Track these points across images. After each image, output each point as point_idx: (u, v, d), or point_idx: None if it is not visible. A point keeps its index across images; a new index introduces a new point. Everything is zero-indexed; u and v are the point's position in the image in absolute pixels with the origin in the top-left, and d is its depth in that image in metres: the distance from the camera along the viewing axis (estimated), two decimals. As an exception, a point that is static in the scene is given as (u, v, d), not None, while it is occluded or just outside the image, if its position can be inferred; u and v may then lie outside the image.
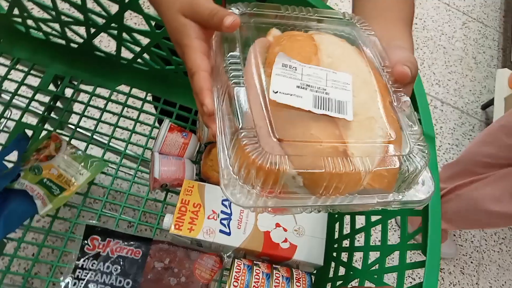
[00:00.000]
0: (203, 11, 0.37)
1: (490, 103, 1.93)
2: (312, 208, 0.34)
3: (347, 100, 0.34)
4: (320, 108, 0.32)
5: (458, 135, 1.89)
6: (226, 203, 0.68)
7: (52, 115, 0.80)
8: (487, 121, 1.97)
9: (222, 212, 0.67)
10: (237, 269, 0.63)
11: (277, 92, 0.32)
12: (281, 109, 0.32)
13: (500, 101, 1.78)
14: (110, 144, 0.78)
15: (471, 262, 1.62)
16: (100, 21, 0.70)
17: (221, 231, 0.66)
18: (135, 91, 0.83)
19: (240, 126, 0.31)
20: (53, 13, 0.70)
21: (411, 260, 0.42)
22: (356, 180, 0.32)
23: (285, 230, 0.68)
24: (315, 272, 0.72)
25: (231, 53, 0.36)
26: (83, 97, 0.82)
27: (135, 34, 0.71)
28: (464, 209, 1.34)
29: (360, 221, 0.68)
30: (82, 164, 0.71)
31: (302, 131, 0.32)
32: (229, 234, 0.66)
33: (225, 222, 0.66)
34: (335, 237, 0.73)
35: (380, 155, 0.33)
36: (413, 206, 0.37)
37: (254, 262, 0.66)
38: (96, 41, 0.76)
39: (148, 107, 0.86)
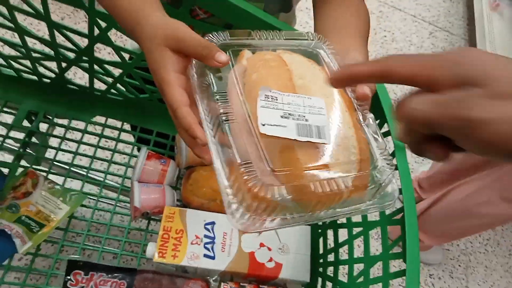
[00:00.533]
0: (191, 42, 0.39)
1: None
2: (301, 221, 0.38)
3: (324, 125, 0.38)
4: (303, 136, 0.37)
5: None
6: (209, 227, 0.68)
7: (28, 151, 0.79)
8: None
9: (205, 236, 0.67)
10: (224, 292, 0.63)
11: (264, 124, 0.36)
12: (269, 138, 0.36)
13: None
14: (89, 175, 0.78)
15: (459, 266, 1.64)
16: (71, 55, 0.70)
17: (205, 255, 0.65)
18: (111, 121, 0.83)
19: (238, 161, 0.35)
20: (23, 50, 0.70)
21: (400, 268, 0.44)
22: (338, 195, 0.37)
23: (269, 249, 0.68)
24: (302, 289, 0.72)
25: (218, 88, 0.39)
26: (60, 130, 0.82)
27: (107, 65, 0.72)
28: (454, 217, 1.36)
29: (343, 233, 0.69)
30: (61, 198, 0.70)
31: (289, 156, 0.36)
32: (213, 258, 0.65)
33: (209, 246, 0.66)
34: (320, 252, 0.74)
35: (356, 170, 0.38)
36: (385, 208, 0.41)
37: (241, 284, 0.65)
38: (70, 73, 0.76)
39: (126, 136, 0.86)
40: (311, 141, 0.37)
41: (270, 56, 0.43)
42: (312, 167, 0.37)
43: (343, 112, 0.41)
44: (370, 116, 0.42)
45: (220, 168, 0.36)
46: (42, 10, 0.62)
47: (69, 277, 0.63)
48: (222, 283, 0.64)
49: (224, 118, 0.37)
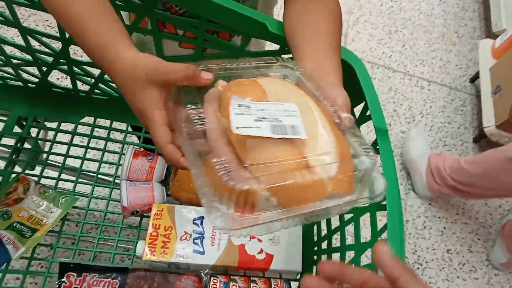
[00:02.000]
0: (175, 70, 0.41)
1: (478, 75, 1.90)
2: (288, 221, 0.37)
3: (298, 124, 0.39)
4: (278, 134, 0.37)
5: (449, 112, 1.86)
6: (198, 221, 0.68)
7: (22, 156, 0.80)
8: (478, 94, 1.94)
9: (194, 231, 0.67)
10: (213, 287, 0.63)
11: (238, 127, 0.37)
12: (245, 141, 0.37)
13: (485, 72, 1.75)
14: (81, 176, 0.78)
15: (478, 239, 1.60)
16: (49, 58, 0.70)
17: (194, 251, 0.65)
18: (102, 121, 0.83)
19: (213, 160, 0.35)
20: (2, 57, 0.70)
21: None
22: (322, 187, 0.37)
23: (259, 240, 0.67)
24: (298, 278, 0.71)
25: (191, 105, 0.41)
26: (51, 134, 0.82)
27: (86, 66, 0.71)
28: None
29: (336, 221, 0.67)
30: (53, 202, 0.71)
31: (267, 155, 0.37)
32: (203, 252, 0.65)
33: (198, 241, 0.66)
34: (314, 240, 0.72)
35: (336, 163, 0.38)
36: (374, 201, 0.41)
37: (231, 277, 0.65)
38: (57, 77, 0.76)
39: (117, 135, 0.86)
40: (285, 137, 0.37)
41: (244, 79, 0.45)
42: (290, 161, 0.37)
43: (318, 114, 0.42)
44: (345, 115, 0.43)
45: (197, 171, 0.37)
46: (11, 17, 0.61)
47: (62, 280, 0.64)
48: (212, 278, 0.64)
49: (200, 128, 0.38)
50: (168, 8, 0.64)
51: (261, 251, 0.66)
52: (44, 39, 0.65)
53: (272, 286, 0.64)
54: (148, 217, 0.74)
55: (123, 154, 0.80)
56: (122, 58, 0.43)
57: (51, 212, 0.70)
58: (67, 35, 0.63)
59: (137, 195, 0.70)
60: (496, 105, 1.61)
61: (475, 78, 1.96)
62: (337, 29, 0.56)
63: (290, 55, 0.56)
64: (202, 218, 0.68)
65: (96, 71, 0.72)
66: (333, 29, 0.55)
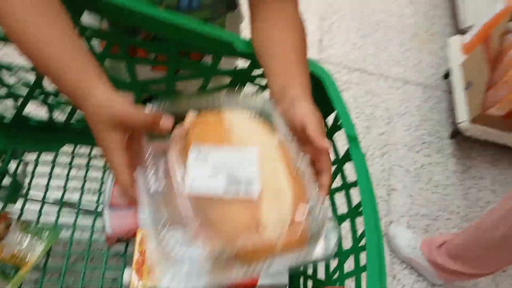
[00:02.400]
0: (136, 118, 0.42)
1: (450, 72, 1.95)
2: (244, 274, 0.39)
3: (254, 177, 0.40)
4: (230, 193, 0.38)
5: (425, 110, 1.90)
6: (183, 243, 0.68)
7: (1, 192, 0.80)
8: (451, 90, 1.98)
9: (180, 253, 0.67)
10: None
11: (192, 185, 0.38)
12: (199, 198, 0.38)
13: (456, 69, 1.80)
14: (64, 206, 0.78)
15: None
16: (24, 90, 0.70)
17: (182, 273, 0.65)
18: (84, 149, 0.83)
19: (163, 222, 0.37)
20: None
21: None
22: (271, 248, 0.38)
23: (245, 257, 0.68)
24: (287, 290, 0.72)
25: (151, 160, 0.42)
26: (32, 166, 0.82)
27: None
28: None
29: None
30: (36, 236, 0.71)
31: (220, 215, 0.38)
32: (190, 274, 0.65)
33: (184, 263, 0.66)
34: (300, 251, 0.73)
35: (288, 222, 0.39)
36: (325, 258, 0.45)
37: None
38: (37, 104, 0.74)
39: (98, 162, 0.86)
40: (237, 198, 0.39)
41: (210, 114, 0.46)
42: (242, 221, 0.38)
43: (279, 163, 0.42)
44: (304, 163, 0.43)
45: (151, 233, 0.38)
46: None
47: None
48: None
49: (152, 186, 0.40)
50: (138, 32, 0.64)
51: (247, 268, 0.67)
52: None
53: (261, 302, 0.65)
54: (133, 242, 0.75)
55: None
56: (89, 99, 0.43)
57: (35, 247, 0.70)
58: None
59: (121, 222, 0.70)
60: (469, 100, 1.66)
61: (447, 75, 2.01)
62: (303, 44, 0.58)
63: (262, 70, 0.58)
64: (187, 239, 0.68)
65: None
66: (299, 44, 0.57)
